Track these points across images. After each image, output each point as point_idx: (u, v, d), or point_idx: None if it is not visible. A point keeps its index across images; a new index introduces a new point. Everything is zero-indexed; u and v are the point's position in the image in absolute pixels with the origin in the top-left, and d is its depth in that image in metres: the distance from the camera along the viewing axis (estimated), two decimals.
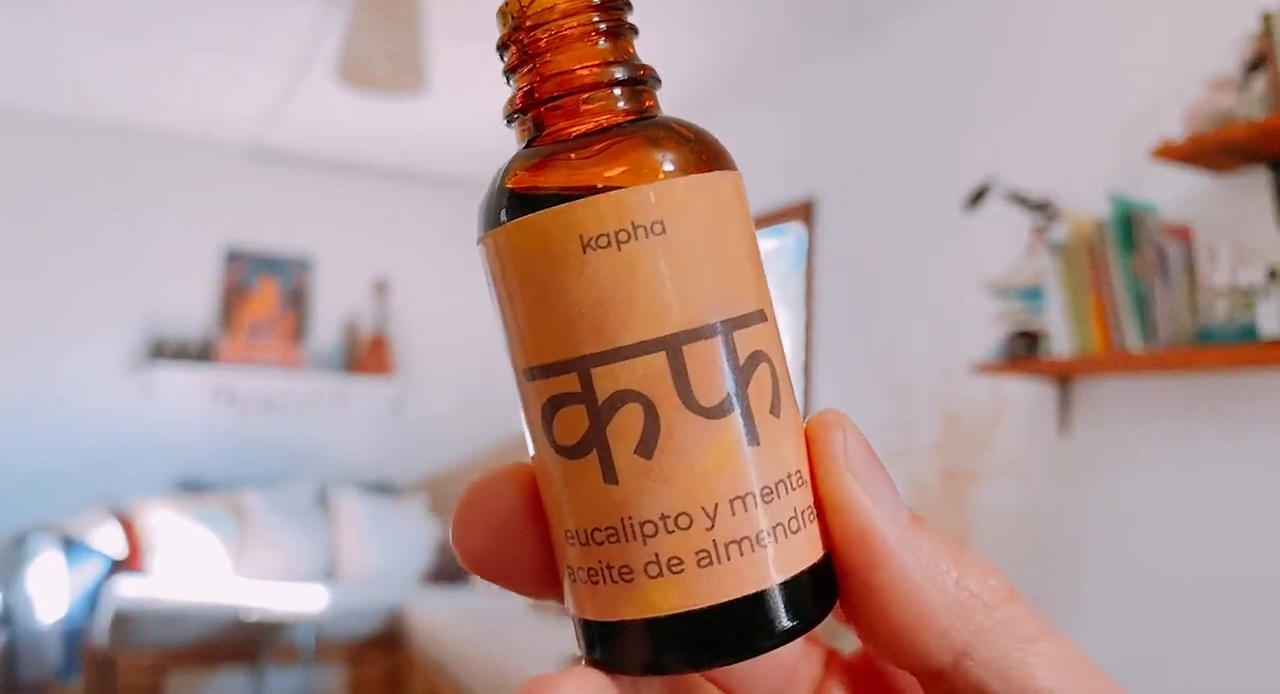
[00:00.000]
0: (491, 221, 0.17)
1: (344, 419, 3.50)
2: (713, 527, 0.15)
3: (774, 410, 0.16)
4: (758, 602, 0.15)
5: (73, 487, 2.98)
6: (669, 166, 0.16)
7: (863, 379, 2.16)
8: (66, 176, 3.17)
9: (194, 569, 2.81)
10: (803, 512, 0.16)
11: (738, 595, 0.15)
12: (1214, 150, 1.43)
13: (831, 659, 0.20)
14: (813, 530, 0.16)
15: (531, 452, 0.17)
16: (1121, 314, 1.49)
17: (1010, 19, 1.99)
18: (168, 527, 2.84)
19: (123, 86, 2.88)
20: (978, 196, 1.79)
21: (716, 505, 0.15)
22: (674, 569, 0.15)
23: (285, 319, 3.45)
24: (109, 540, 2.78)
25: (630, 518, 0.15)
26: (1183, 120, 1.47)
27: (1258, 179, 1.48)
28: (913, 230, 2.17)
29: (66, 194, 3.17)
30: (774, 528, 0.15)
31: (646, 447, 0.15)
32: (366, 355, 3.52)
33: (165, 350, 3.20)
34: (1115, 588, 1.64)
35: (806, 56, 2.51)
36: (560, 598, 0.17)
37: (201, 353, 3.26)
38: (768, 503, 0.15)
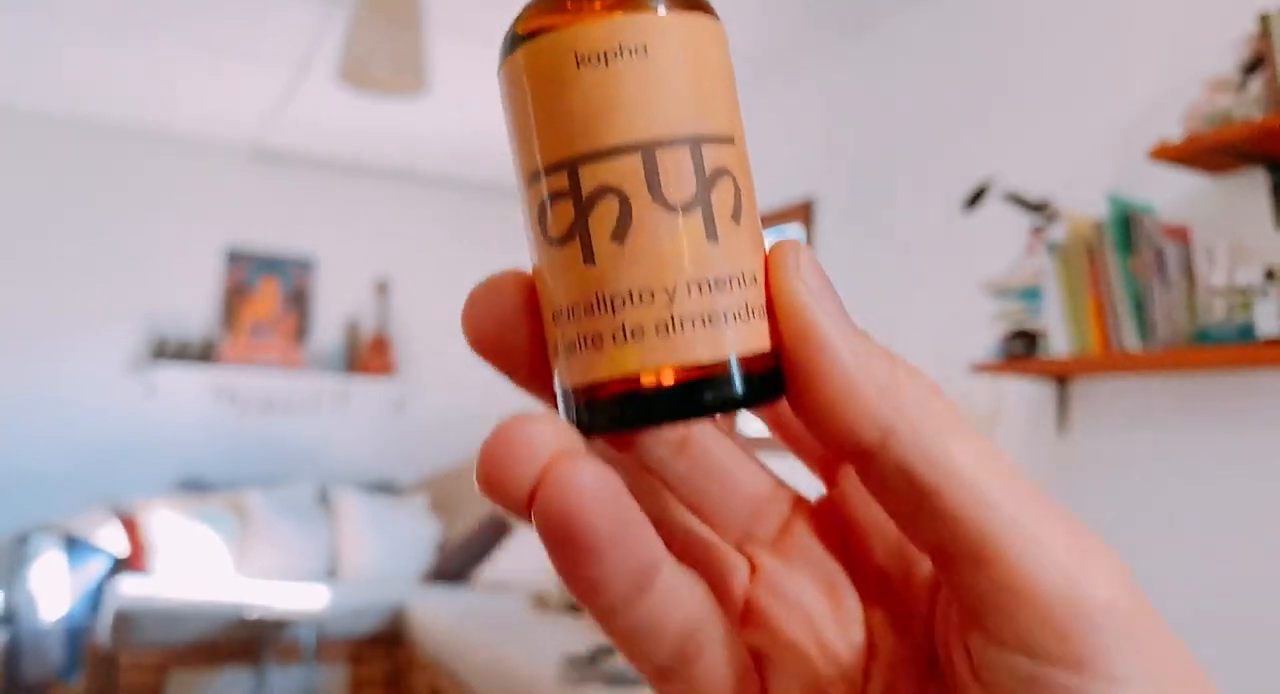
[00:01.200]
0: (506, 54, 0.19)
1: (345, 419, 3.51)
2: (672, 303, 0.17)
3: (735, 218, 0.18)
4: (705, 370, 0.17)
5: (74, 486, 2.99)
6: (659, 5, 0.18)
7: None
8: (68, 177, 3.18)
9: (196, 568, 2.82)
10: (754, 307, 0.18)
11: (689, 361, 0.17)
12: (1212, 151, 1.43)
13: (799, 503, 0.21)
14: (762, 325, 0.18)
15: (530, 254, 0.19)
16: (1119, 314, 1.50)
17: (1009, 20, 1.99)
18: (169, 526, 2.85)
19: (124, 87, 2.89)
20: (976, 197, 1.80)
21: (675, 286, 0.17)
22: (636, 337, 0.17)
23: (286, 319, 3.46)
24: (111, 540, 2.79)
25: (603, 293, 0.18)
26: (1181, 121, 1.47)
27: (1255, 179, 1.49)
28: (912, 230, 2.17)
29: (68, 194, 3.17)
30: (725, 312, 0.18)
31: (620, 233, 0.17)
32: (367, 355, 3.53)
33: (167, 350, 3.21)
34: None
35: (806, 57, 2.51)
36: (546, 391, 0.20)
37: (203, 353, 3.27)
38: (721, 291, 0.18)
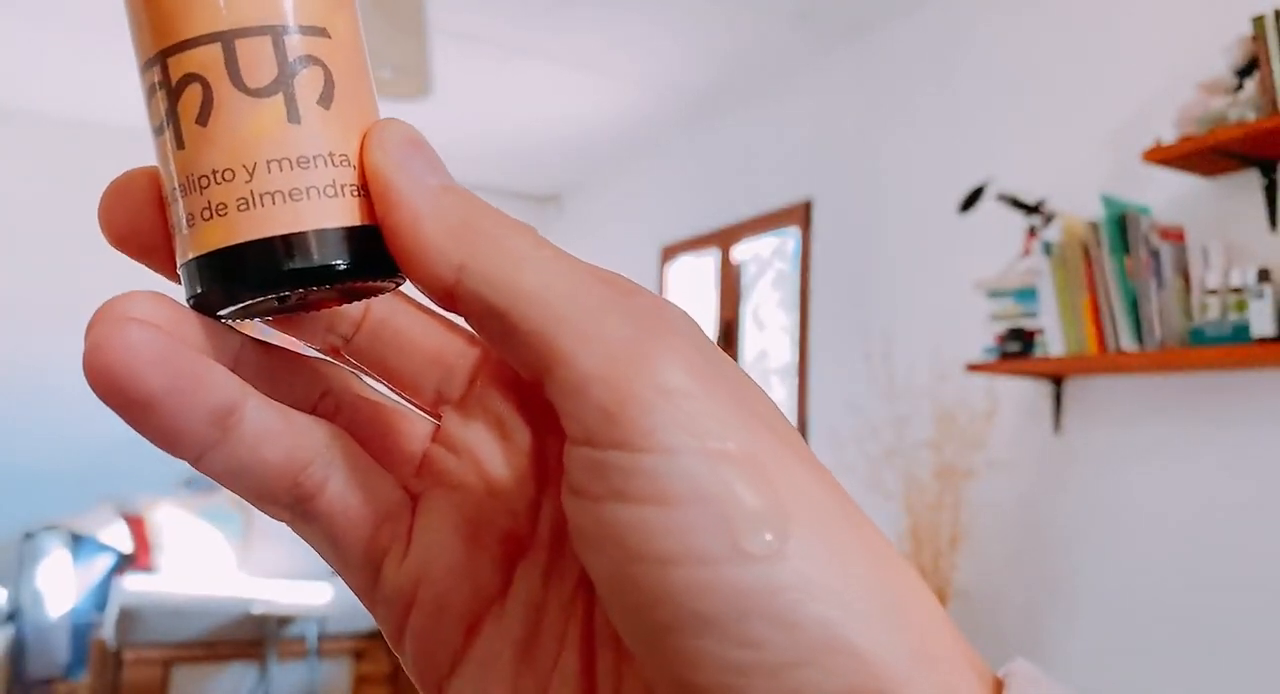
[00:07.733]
0: None
1: None
2: (251, 180, 0.18)
3: (323, 102, 0.19)
4: (287, 241, 0.18)
5: (80, 485, 3.01)
6: None
7: (858, 378, 2.18)
8: (75, 177, 3.20)
9: (200, 565, 2.84)
10: (343, 185, 0.19)
11: (266, 234, 0.18)
12: (1206, 152, 1.44)
13: (487, 356, 0.21)
14: (352, 202, 0.19)
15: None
16: (1115, 314, 1.51)
17: (1004, 23, 2.00)
18: (175, 524, 2.87)
19: (131, 88, 2.91)
20: (972, 198, 1.81)
21: (255, 164, 0.18)
22: (220, 213, 0.18)
23: None
24: (117, 538, 2.81)
25: (192, 174, 0.18)
26: (1175, 123, 1.48)
27: (1249, 181, 1.50)
28: (908, 232, 2.18)
29: (76, 194, 3.19)
30: (307, 188, 0.18)
31: (203, 116, 0.18)
32: None
33: None
34: (1108, 585, 1.66)
35: (804, 60, 2.52)
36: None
37: None
38: (303, 169, 0.18)
